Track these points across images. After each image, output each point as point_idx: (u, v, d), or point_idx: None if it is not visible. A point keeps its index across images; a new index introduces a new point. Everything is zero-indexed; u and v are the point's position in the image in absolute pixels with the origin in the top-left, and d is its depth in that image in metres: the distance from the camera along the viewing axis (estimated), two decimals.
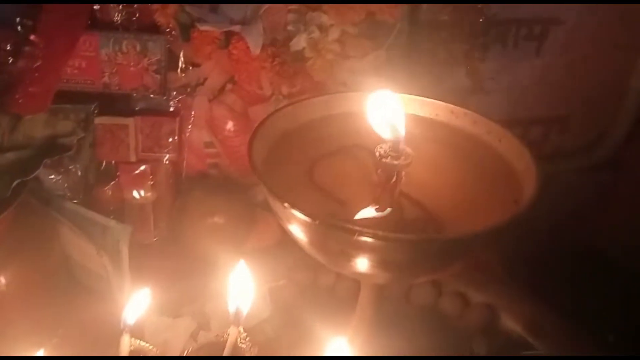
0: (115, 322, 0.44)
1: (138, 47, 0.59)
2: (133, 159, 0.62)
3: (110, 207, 0.62)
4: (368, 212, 0.37)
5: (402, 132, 0.35)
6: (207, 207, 0.61)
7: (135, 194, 0.62)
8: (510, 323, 0.57)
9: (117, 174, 0.62)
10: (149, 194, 0.63)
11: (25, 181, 0.45)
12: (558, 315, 0.59)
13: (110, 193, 0.62)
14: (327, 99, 0.42)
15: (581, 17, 0.74)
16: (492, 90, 0.74)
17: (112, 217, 0.58)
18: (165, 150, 0.62)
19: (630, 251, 0.84)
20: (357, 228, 0.29)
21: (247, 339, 0.39)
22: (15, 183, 0.44)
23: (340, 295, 0.60)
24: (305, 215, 0.30)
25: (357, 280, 0.54)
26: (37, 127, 0.46)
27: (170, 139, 0.62)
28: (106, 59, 0.58)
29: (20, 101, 0.49)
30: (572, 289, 0.68)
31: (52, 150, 0.46)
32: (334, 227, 0.30)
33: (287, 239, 0.66)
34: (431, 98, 0.44)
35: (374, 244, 0.29)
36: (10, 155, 0.44)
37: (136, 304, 0.39)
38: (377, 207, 0.35)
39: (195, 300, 0.57)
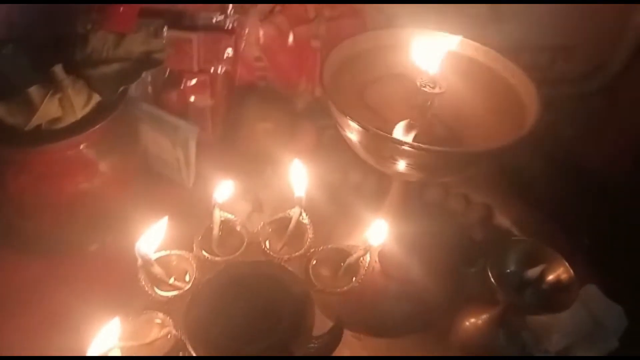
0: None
1: None
2: (195, 68, 0.72)
3: (176, 110, 0.73)
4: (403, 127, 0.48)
5: (438, 67, 0.46)
6: (259, 114, 0.72)
7: (196, 99, 0.73)
8: (502, 219, 0.71)
9: (182, 81, 0.72)
10: (207, 100, 0.73)
11: (127, 88, 0.56)
12: (541, 216, 0.73)
13: (175, 98, 0.73)
14: (378, 33, 0.52)
15: None
16: (508, 19, 0.83)
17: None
18: (222, 62, 0.72)
19: (616, 169, 0.95)
20: (398, 139, 0.41)
21: (306, 216, 0.51)
22: (120, 89, 0.55)
23: (365, 194, 0.73)
24: (362, 126, 0.41)
25: (380, 180, 0.67)
26: (135, 44, 0.55)
27: (227, 53, 0.72)
28: None
29: (112, 19, 0.58)
30: (560, 198, 0.79)
31: (148, 63, 0.56)
32: (382, 137, 0.41)
33: (320, 146, 0.77)
34: (457, 34, 0.53)
35: (408, 151, 0.41)
36: (115, 66, 0.54)
37: (223, 190, 0.51)
38: (412, 123, 0.46)
39: (250, 190, 0.70)
